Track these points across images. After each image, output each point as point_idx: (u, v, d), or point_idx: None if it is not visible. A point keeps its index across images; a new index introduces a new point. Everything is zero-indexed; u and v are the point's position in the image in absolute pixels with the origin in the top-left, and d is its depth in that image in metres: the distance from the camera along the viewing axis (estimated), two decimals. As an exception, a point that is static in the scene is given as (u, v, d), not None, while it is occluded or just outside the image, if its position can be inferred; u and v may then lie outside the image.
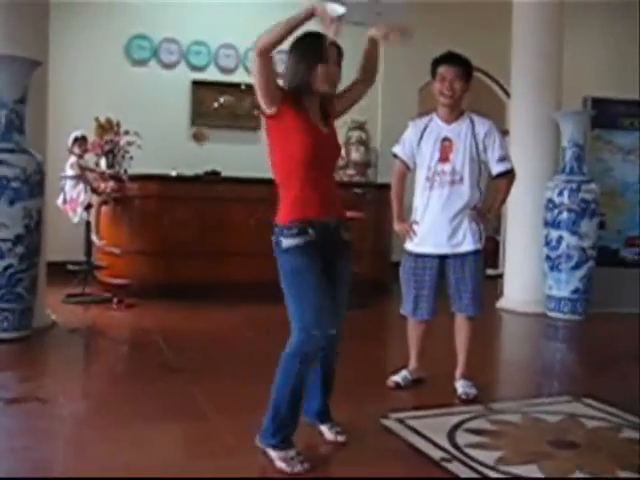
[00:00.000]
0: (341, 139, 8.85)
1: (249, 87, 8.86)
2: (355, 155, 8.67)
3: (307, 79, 2.88)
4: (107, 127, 7.61)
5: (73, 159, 6.87)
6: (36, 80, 5.04)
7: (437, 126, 3.99)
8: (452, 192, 3.88)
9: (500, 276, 7.98)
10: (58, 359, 4.77)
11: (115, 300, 6.42)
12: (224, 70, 8.92)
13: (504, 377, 4.90)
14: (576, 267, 6.63)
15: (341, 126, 8.87)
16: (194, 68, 8.82)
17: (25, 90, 4.92)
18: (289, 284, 2.87)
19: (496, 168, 3.93)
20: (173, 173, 7.20)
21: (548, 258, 6.77)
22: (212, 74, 8.89)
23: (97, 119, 7.65)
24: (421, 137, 3.99)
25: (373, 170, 9.18)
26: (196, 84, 8.78)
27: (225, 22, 8.76)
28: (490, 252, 10.48)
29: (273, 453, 2.85)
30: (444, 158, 3.90)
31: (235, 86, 8.90)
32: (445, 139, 3.93)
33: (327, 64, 2.88)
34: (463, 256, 3.91)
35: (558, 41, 7.12)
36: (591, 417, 3.63)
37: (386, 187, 8.00)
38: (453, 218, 3.89)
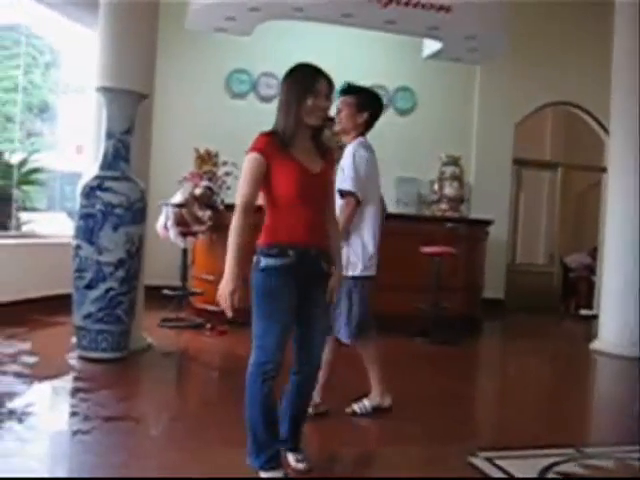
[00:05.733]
0: (435, 174, 8.91)
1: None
2: (449, 190, 8.63)
3: (298, 112, 2.92)
4: (206, 158, 7.86)
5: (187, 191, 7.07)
6: (142, 112, 5.26)
7: None
8: None
9: (595, 317, 7.76)
10: (152, 381, 4.92)
11: (208, 326, 6.58)
12: (319, 103, 9.05)
13: (597, 421, 4.76)
14: (676, 310, 6.39)
15: (435, 161, 8.91)
16: (290, 101, 8.97)
17: (132, 121, 5.15)
18: (259, 303, 2.86)
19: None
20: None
21: (645, 300, 6.55)
22: (306, 106, 9.03)
23: (197, 150, 7.93)
24: None
25: (466, 205, 9.12)
26: (292, 117, 8.94)
27: (320, 56, 8.89)
28: (585, 293, 10.25)
29: (262, 474, 2.85)
30: None
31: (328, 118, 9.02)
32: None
33: (316, 96, 2.90)
34: None
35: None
36: (689, 467, 3.48)
37: (478, 223, 8.06)
38: None
